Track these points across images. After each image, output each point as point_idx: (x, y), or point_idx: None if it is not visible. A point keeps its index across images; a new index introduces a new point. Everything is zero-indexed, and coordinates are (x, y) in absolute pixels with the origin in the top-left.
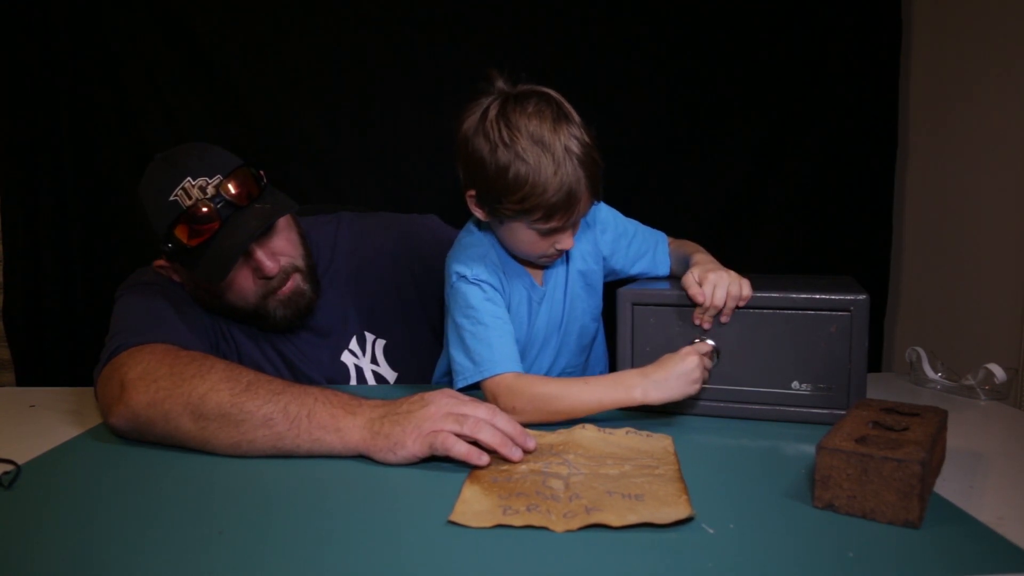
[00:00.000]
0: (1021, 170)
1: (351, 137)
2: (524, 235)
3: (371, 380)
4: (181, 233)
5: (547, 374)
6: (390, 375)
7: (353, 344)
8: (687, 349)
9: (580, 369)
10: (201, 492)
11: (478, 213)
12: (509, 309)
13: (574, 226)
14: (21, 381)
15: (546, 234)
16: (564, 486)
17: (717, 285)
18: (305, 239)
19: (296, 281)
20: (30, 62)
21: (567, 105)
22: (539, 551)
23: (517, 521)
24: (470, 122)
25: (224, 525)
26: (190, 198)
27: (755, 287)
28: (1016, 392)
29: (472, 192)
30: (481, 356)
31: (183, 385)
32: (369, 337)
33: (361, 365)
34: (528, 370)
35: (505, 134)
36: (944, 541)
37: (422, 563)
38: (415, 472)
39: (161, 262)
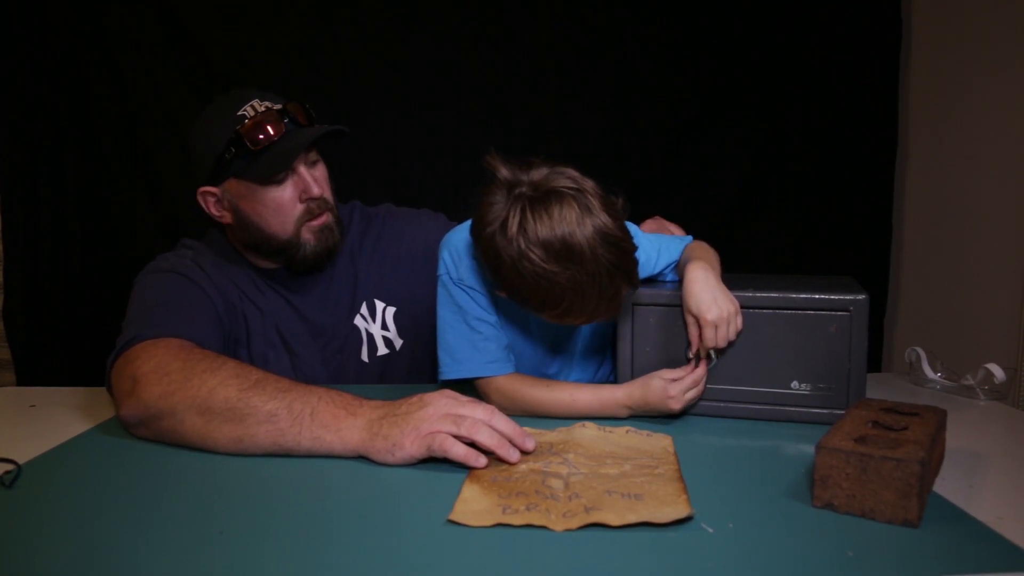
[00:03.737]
0: (1021, 170)
1: (350, 137)
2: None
3: (381, 345)
4: (247, 136)
5: (557, 376)
6: (397, 341)
7: (364, 310)
8: (671, 385)
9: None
10: (201, 492)
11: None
12: (506, 314)
13: None
14: (22, 381)
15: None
16: (564, 485)
17: (718, 327)
18: (335, 189)
19: (329, 218)
20: (30, 62)
21: (588, 192)
22: (538, 550)
23: (517, 520)
24: (491, 229)
25: (224, 525)
26: (256, 111)
27: (755, 287)
28: (1015, 392)
29: (504, 293)
30: (464, 355)
31: (194, 379)
32: (379, 304)
33: (372, 331)
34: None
35: (532, 252)
36: (943, 540)
37: (422, 562)
38: (415, 472)
39: (207, 188)
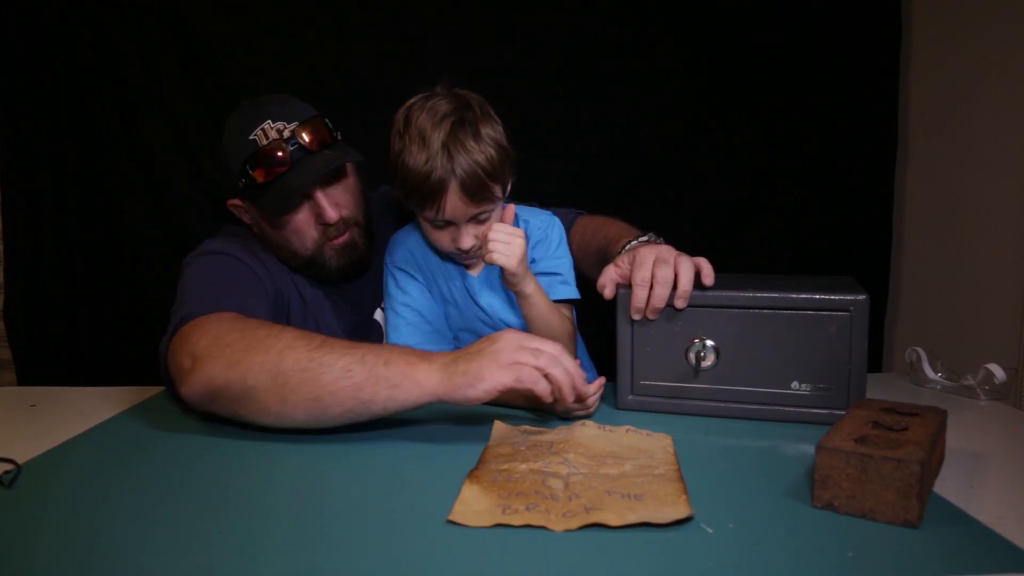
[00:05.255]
0: (1021, 170)
1: (351, 138)
2: (424, 225)
3: None
4: (254, 169)
5: None
6: None
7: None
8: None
9: None
10: (201, 492)
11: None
12: (448, 294)
13: (474, 225)
14: (22, 381)
15: (439, 226)
16: (564, 486)
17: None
18: (366, 197)
19: (353, 234)
20: (30, 62)
21: (476, 110)
22: (538, 550)
23: (516, 520)
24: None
25: (224, 525)
26: (267, 138)
27: (755, 287)
28: (1016, 392)
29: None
30: (389, 337)
31: (257, 346)
32: None
33: None
34: None
35: (401, 125)
36: (943, 541)
37: (421, 563)
38: (414, 472)
39: (235, 201)
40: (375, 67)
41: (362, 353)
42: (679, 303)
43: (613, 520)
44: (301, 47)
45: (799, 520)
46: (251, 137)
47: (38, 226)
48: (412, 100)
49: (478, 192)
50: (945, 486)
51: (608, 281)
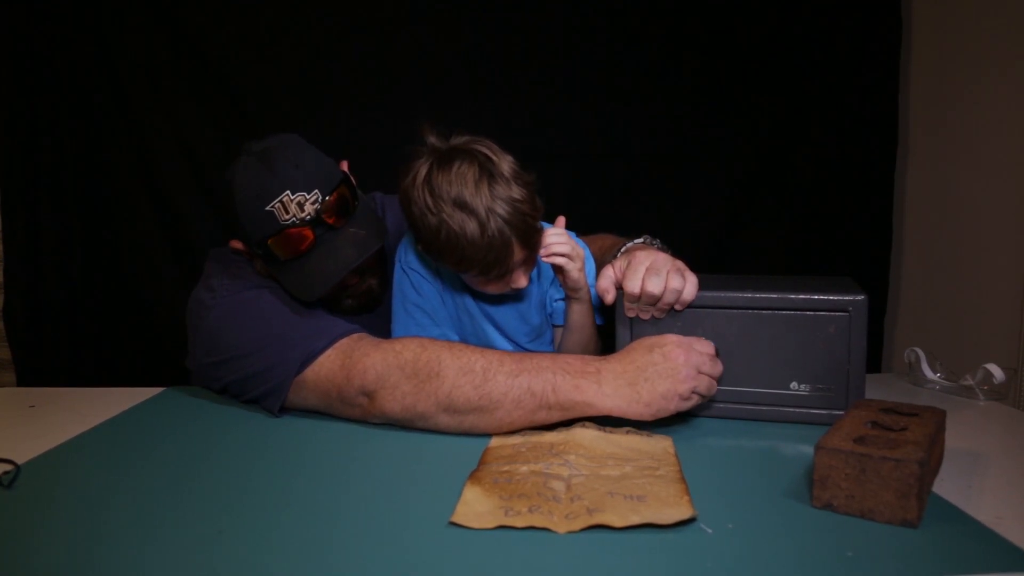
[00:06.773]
0: (1021, 170)
1: (352, 138)
2: (476, 282)
3: None
4: (275, 245)
5: None
6: None
7: None
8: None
9: None
10: (201, 492)
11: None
12: (460, 302)
13: (524, 266)
14: (21, 381)
15: (495, 279)
16: (565, 488)
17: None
18: (384, 245)
19: (370, 283)
20: (30, 62)
21: (495, 159)
22: (541, 552)
23: (519, 522)
24: (404, 185)
25: (224, 526)
26: (288, 213)
27: (754, 288)
28: (1015, 392)
29: (420, 247)
30: (394, 333)
31: (425, 387)
32: None
33: None
34: None
35: (430, 201)
36: (942, 541)
37: (423, 564)
38: (416, 473)
39: (238, 244)
40: (376, 67)
41: (528, 383)
42: (656, 314)
43: (616, 521)
44: (302, 46)
45: (798, 520)
46: (268, 209)
47: (38, 226)
48: (421, 171)
49: (531, 236)
50: (944, 486)
51: (609, 286)
